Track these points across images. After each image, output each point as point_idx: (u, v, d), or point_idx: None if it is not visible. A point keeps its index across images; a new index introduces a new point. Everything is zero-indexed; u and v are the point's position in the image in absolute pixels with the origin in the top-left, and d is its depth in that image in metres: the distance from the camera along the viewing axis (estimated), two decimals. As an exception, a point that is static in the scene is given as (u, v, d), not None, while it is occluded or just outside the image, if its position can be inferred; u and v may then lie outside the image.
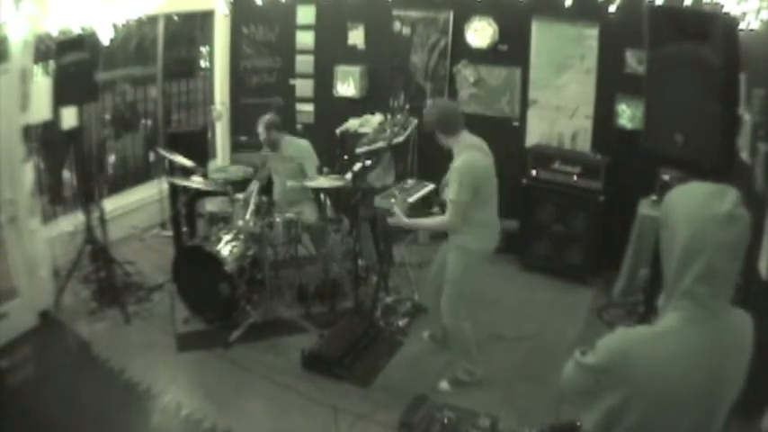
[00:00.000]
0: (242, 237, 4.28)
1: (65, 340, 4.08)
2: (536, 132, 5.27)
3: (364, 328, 4.08)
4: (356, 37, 5.89)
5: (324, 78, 6.04)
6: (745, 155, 3.31)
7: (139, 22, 5.45)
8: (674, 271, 1.37)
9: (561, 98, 5.11)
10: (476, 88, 5.41)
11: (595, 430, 1.46)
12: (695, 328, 1.36)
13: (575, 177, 4.82)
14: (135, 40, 6.14)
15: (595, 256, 4.85)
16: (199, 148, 5.24)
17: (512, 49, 5.22)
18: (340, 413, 3.36)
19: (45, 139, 4.74)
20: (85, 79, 4.23)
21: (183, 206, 4.88)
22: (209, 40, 6.54)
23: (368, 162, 4.49)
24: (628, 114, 4.84)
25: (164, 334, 4.12)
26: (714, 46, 3.38)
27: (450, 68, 5.51)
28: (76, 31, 4.36)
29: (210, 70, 6.56)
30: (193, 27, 6.74)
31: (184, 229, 4.95)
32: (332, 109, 6.00)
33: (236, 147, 6.28)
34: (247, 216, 4.33)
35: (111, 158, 6.15)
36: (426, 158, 5.44)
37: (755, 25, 3.24)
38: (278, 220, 4.34)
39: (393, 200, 4.06)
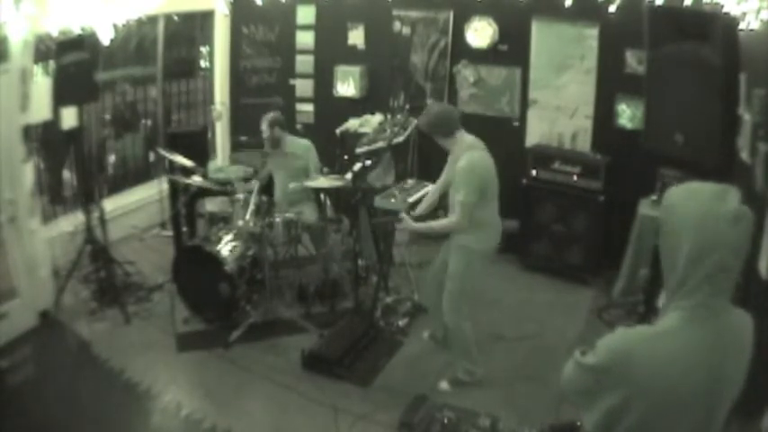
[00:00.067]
0: (242, 237, 4.28)
1: (65, 340, 4.07)
2: (536, 132, 5.27)
3: (364, 328, 4.07)
4: (356, 37, 5.89)
5: (324, 78, 6.04)
6: (745, 155, 3.31)
7: (139, 22, 5.45)
8: (683, 271, 1.37)
9: (561, 98, 5.11)
10: (476, 88, 5.41)
11: (595, 430, 1.46)
12: (696, 328, 1.36)
13: (575, 177, 4.82)
14: (135, 40, 6.14)
15: (595, 256, 4.85)
16: (199, 148, 5.24)
17: (512, 49, 5.22)
18: (340, 413, 3.36)
19: (45, 139, 4.74)
20: (85, 79, 4.23)
21: (183, 206, 4.88)
22: (209, 40, 6.54)
23: (368, 162, 4.49)
24: (628, 114, 4.84)
25: (164, 334, 4.12)
26: (714, 46, 3.38)
27: (450, 68, 5.52)
28: (76, 31, 4.36)
29: (210, 70, 6.57)
30: (193, 27, 6.74)
31: (184, 229, 4.95)
32: (332, 109, 6.00)
33: (236, 147, 6.28)
34: (247, 216, 4.33)
35: (111, 158, 6.16)
36: (426, 158, 5.44)
37: (755, 25, 3.24)
38: (278, 220, 4.35)
39: (393, 200, 4.06)
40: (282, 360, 3.86)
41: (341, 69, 5.89)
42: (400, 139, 5.25)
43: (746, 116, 3.28)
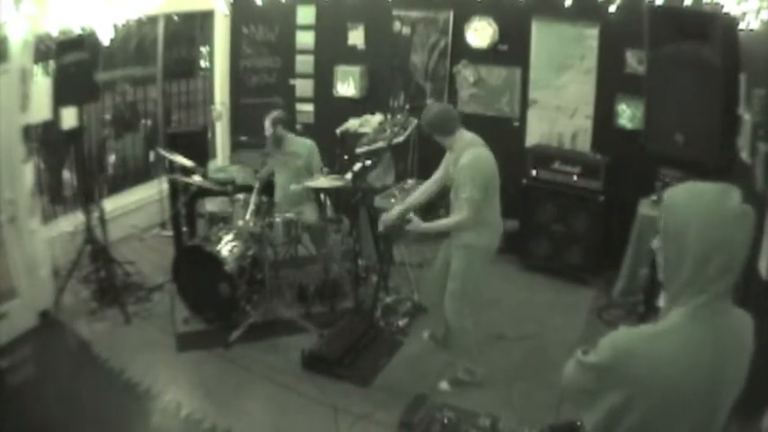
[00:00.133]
0: (242, 237, 4.28)
1: (65, 340, 4.07)
2: (536, 132, 5.27)
3: (364, 328, 4.07)
4: (356, 37, 5.89)
5: (324, 78, 6.04)
6: (745, 155, 3.31)
7: (139, 22, 5.45)
8: (690, 271, 1.36)
9: (561, 98, 5.11)
10: (476, 88, 5.41)
11: (597, 430, 1.46)
12: (698, 327, 1.36)
13: (575, 177, 4.82)
14: (135, 40, 6.14)
15: (595, 256, 4.85)
16: (199, 148, 5.24)
17: (512, 49, 5.22)
18: (340, 413, 3.36)
19: (45, 139, 4.74)
20: (85, 79, 4.23)
21: (183, 206, 4.88)
22: (209, 40, 6.54)
23: (368, 162, 4.49)
24: (628, 114, 4.84)
25: (164, 334, 4.12)
26: (714, 46, 3.38)
27: (450, 68, 5.52)
28: (76, 31, 4.36)
29: (210, 70, 6.57)
30: (193, 27, 6.74)
31: (184, 229, 4.94)
32: (332, 109, 6.00)
33: (236, 147, 6.28)
34: (247, 216, 4.33)
35: (111, 158, 6.16)
36: (426, 158, 5.43)
37: (755, 25, 3.24)
38: (278, 220, 4.35)
39: (393, 200, 4.06)
40: (282, 360, 3.86)
41: (341, 69, 5.89)
42: (400, 139, 5.25)
43: (746, 116, 3.28)
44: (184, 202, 4.83)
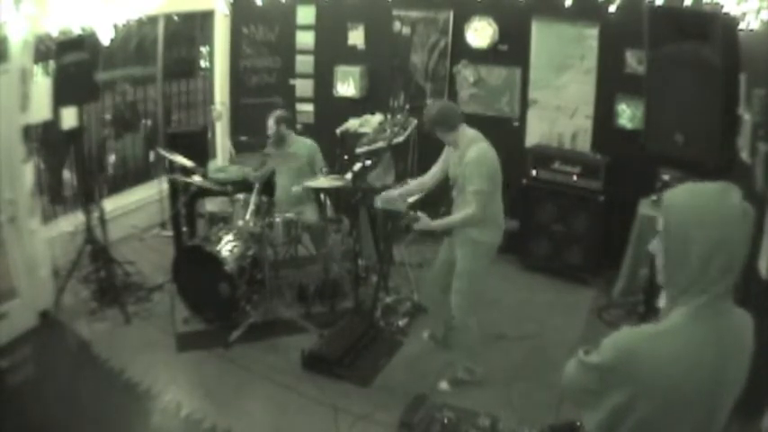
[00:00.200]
0: (242, 237, 4.27)
1: (65, 340, 4.07)
2: (536, 132, 5.27)
3: (364, 328, 4.07)
4: (356, 37, 5.89)
5: (324, 78, 6.04)
6: (745, 155, 3.31)
7: (139, 22, 5.45)
8: (695, 271, 1.36)
9: (561, 98, 5.11)
10: (476, 88, 5.41)
11: (599, 430, 1.46)
12: (700, 327, 1.36)
13: (575, 177, 4.82)
14: (135, 40, 6.14)
15: (595, 256, 4.85)
16: (199, 148, 5.23)
17: (512, 49, 5.22)
18: (340, 413, 3.36)
19: (45, 139, 4.74)
20: (85, 79, 4.23)
21: (183, 206, 4.88)
22: (209, 40, 6.54)
23: (368, 162, 4.49)
24: (628, 114, 4.84)
25: (164, 334, 4.12)
26: (714, 46, 3.38)
27: (450, 68, 5.52)
28: (76, 31, 4.36)
29: (210, 70, 6.56)
30: (193, 27, 6.74)
31: (184, 229, 4.95)
32: (332, 109, 6.00)
33: (236, 147, 6.28)
34: (247, 216, 4.33)
35: (111, 158, 6.16)
36: (426, 158, 5.43)
37: (755, 25, 3.24)
38: (278, 220, 4.35)
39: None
40: (282, 360, 3.86)
41: (341, 69, 5.89)
42: (400, 139, 5.25)
43: (746, 116, 3.28)
44: (184, 202, 4.83)
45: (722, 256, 1.34)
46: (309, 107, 6.23)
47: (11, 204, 3.92)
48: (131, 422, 3.39)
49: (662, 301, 1.49)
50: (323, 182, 4.44)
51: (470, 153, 3.35)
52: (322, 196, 4.80)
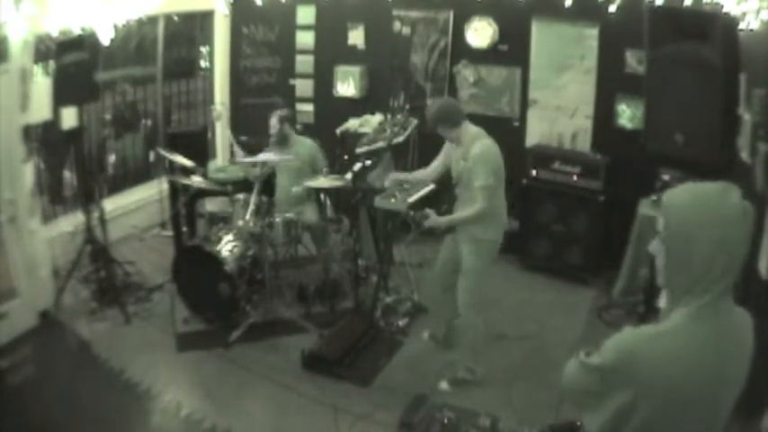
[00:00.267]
0: (242, 237, 4.27)
1: (65, 340, 4.07)
2: (536, 132, 5.27)
3: (364, 328, 4.07)
4: (356, 37, 5.89)
5: (324, 78, 6.04)
6: (745, 155, 3.31)
7: (139, 22, 5.45)
8: (698, 271, 1.36)
9: (561, 98, 5.11)
10: (476, 88, 5.41)
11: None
12: (702, 327, 1.36)
13: (575, 177, 4.82)
14: (135, 40, 6.15)
15: (595, 256, 4.85)
16: (199, 148, 5.24)
17: (512, 49, 5.22)
18: (340, 413, 3.36)
19: (45, 139, 4.74)
20: (85, 79, 4.23)
21: (183, 206, 4.88)
22: (209, 40, 6.55)
23: (368, 162, 4.49)
24: (628, 114, 4.84)
25: (164, 334, 4.12)
26: (714, 46, 3.38)
27: (450, 68, 5.52)
28: (76, 31, 4.36)
29: (210, 70, 6.57)
30: (193, 27, 6.74)
31: (184, 229, 4.94)
32: (332, 109, 6.00)
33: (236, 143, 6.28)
34: (247, 216, 4.33)
35: (111, 158, 6.16)
36: (426, 158, 5.42)
37: (755, 25, 3.24)
38: (278, 220, 4.35)
39: (393, 200, 4.06)
40: (282, 360, 3.86)
41: (341, 69, 5.89)
42: (400, 139, 5.25)
43: (746, 116, 3.28)
44: (184, 202, 4.83)
45: (723, 255, 1.34)
46: (309, 107, 6.23)
47: (11, 204, 3.92)
48: (131, 422, 3.39)
49: (662, 302, 1.49)
50: (323, 182, 4.44)
51: (475, 149, 3.37)
52: (322, 196, 4.80)
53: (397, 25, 5.68)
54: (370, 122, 5.61)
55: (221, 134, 6.50)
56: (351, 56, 5.91)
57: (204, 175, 4.60)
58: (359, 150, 5.08)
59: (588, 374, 1.47)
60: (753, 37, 3.33)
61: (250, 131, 5.55)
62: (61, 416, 3.31)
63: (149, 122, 6.23)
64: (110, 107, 6.02)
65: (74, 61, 4.09)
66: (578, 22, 4.88)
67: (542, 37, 5.08)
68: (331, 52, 5.97)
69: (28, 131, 4.09)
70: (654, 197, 4.40)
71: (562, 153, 5.00)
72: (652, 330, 1.41)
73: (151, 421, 3.38)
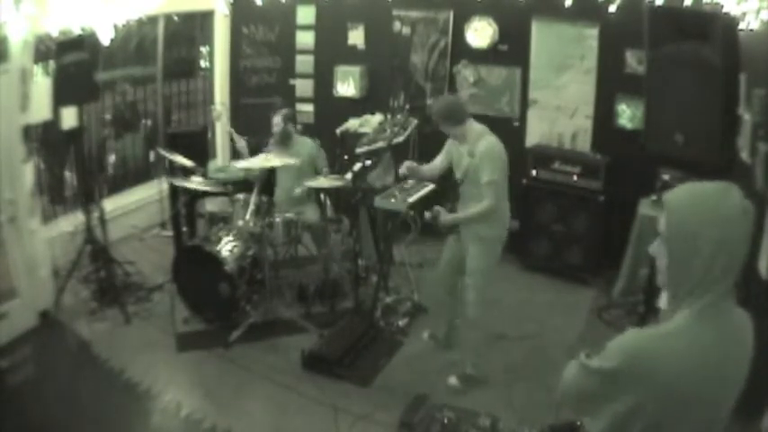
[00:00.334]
0: (242, 237, 4.27)
1: (65, 340, 4.07)
2: (536, 132, 5.27)
3: (364, 328, 4.07)
4: (356, 37, 5.89)
5: (324, 78, 6.04)
6: (745, 155, 3.31)
7: (139, 22, 5.45)
8: (701, 271, 1.36)
9: (561, 98, 5.11)
10: (476, 88, 5.41)
11: None
12: (704, 327, 1.36)
13: (575, 177, 4.82)
14: (135, 40, 6.15)
15: (595, 256, 4.85)
16: (199, 148, 5.24)
17: (512, 49, 5.22)
18: (340, 413, 3.36)
19: (45, 139, 4.74)
20: (85, 79, 4.23)
21: (183, 206, 4.88)
22: (209, 40, 6.54)
23: (368, 162, 4.49)
24: (628, 114, 4.84)
25: (164, 334, 4.12)
26: (714, 46, 3.38)
27: (450, 68, 5.52)
28: (76, 31, 4.36)
29: (210, 70, 6.57)
30: (193, 27, 6.74)
31: (184, 229, 4.95)
32: (332, 109, 6.00)
33: (235, 155, 6.27)
34: (247, 216, 4.33)
35: (111, 158, 6.16)
36: (426, 158, 5.41)
37: (755, 25, 3.24)
38: (278, 220, 4.35)
39: (393, 200, 4.06)
40: (282, 360, 3.86)
41: (341, 69, 5.89)
42: (400, 139, 5.24)
43: (746, 116, 3.28)
44: (184, 202, 4.83)
45: (724, 255, 1.34)
46: (309, 107, 6.23)
47: (11, 204, 3.92)
48: (131, 422, 3.39)
49: (662, 302, 1.49)
50: (323, 182, 4.44)
51: (480, 146, 3.38)
52: (322, 196, 4.80)
53: (397, 25, 5.68)
54: (370, 122, 5.60)
55: (221, 134, 6.50)
56: (351, 56, 5.91)
57: (204, 175, 4.60)
58: (359, 150, 5.07)
59: (589, 377, 1.45)
60: (753, 37, 3.33)
61: (250, 131, 5.54)
62: (61, 416, 3.31)
63: (149, 122, 6.23)
64: (110, 107, 6.02)
65: (74, 61, 4.09)
66: (578, 22, 4.88)
67: (542, 37, 5.08)
68: (331, 52, 5.97)
69: (28, 131, 4.09)
70: (654, 197, 4.40)
71: (562, 153, 5.00)
72: (656, 332, 1.40)
73: (151, 421, 3.38)
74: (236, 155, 5.61)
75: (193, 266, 4.18)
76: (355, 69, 5.82)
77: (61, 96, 4.15)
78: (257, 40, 6.29)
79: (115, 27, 4.75)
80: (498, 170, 3.36)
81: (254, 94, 6.35)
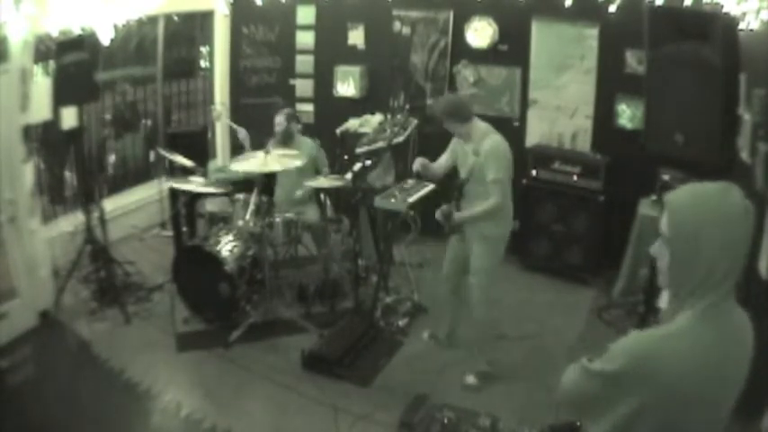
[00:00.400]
0: (242, 237, 4.27)
1: (65, 340, 4.07)
2: (536, 132, 5.27)
3: (364, 328, 4.07)
4: (356, 37, 5.89)
5: (324, 78, 6.03)
6: (745, 155, 3.31)
7: (139, 22, 5.45)
8: (704, 272, 1.36)
9: (561, 98, 5.11)
10: (476, 88, 5.41)
11: None
12: (706, 328, 1.36)
13: (575, 177, 4.82)
14: (135, 40, 6.15)
15: (595, 256, 4.85)
16: (199, 148, 5.24)
17: (512, 49, 5.22)
18: (340, 413, 3.36)
19: (45, 139, 4.74)
20: (85, 79, 4.23)
21: (183, 206, 4.88)
22: (209, 40, 6.54)
23: (368, 162, 4.49)
24: (628, 114, 4.84)
25: (164, 334, 4.12)
26: (714, 46, 3.38)
27: (450, 68, 5.51)
28: (76, 31, 4.36)
29: (210, 70, 6.57)
30: (193, 27, 6.74)
31: (184, 229, 4.94)
32: (332, 109, 6.00)
33: (236, 150, 6.27)
34: (247, 216, 4.33)
35: (111, 158, 6.16)
36: (427, 158, 5.43)
37: (755, 25, 3.24)
38: (278, 220, 4.34)
39: (393, 200, 4.06)
40: (282, 360, 3.86)
41: (341, 69, 5.89)
42: (400, 139, 5.24)
43: (746, 116, 3.28)
44: (184, 202, 4.83)
45: (727, 255, 1.35)
46: (309, 107, 6.23)
47: (11, 204, 3.92)
48: (131, 422, 3.39)
49: (662, 302, 1.49)
50: (323, 182, 4.44)
51: (486, 144, 3.40)
52: (322, 196, 4.80)
53: (397, 25, 5.68)
54: (370, 122, 5.61)
55: (221, 134, 6.50)
56: (351, 56, 5.90)
57: (204, 175, 4.60)
58: (359, 150, 5.07)
59: (591, 380, 1.45)
60: (753, 37, 3.33)
61: (250, 131, 5.54)
62: (61, 416, 3.31)
63: (149, 122, 6.23)
64: (110, 107, 6.02)
65: (74, 61, 4.09)
66: (578, 22, 4.88)
67: (542, 37, 5.08)
68: (331, 52, 5.97)
69: (28, 131, 4.09)
70: (654, 197, 4.40)
71: (562, 153, 5.00)
72: (658, 333, 1.40)
73: (151, 421, 3.38)
74: (237, 150, 5.60)
75: (193, 266, 4.18)
76: (355, 69, 5.82)
77: (61, 96, 4.15)
78: (257, 40, 6.29)
79: (115, 27, 4.75)
80: (504, 168, 3.39)
81: (254, 94, 6.35)
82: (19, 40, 3.83)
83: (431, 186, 4.25)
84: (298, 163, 4.11)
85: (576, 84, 5.02)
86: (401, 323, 4.24)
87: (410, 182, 4.49)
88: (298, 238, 4.58)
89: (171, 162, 4.68)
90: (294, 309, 4.37)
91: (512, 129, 5.30)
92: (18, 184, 3.99)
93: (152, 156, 5.75)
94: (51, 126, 4.46)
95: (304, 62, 6.16)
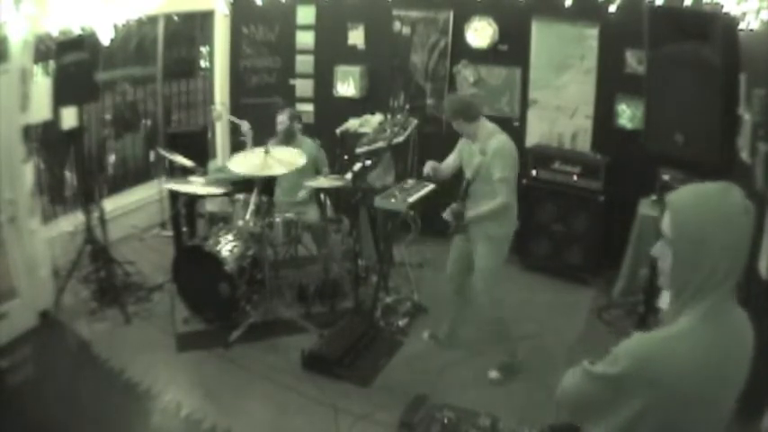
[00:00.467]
0: (242, 237, 4.27)
1: (65, 340, 4.07)
2: (536, 132, 5.27)
3: (364, 328, 4.07)
4: (356, 37, 5.89)
5: (324, 78, 6.04)
6: (745, 155, 3.31)
7: (139, 22, 5.45)
8: (707, 272, 1.36)
9: (561, 98, 5.11)
10: (476, 88, 5.41)
11: None
12: (707, 328, 1.36)
13: (575, 177, 4.82)
14: (135, 40, 6.14)
15: (595, 256, 4.85)
16: (199, 148, 5.23)
17: (512, 49, 5.22)
18: (340, 413, 3.36)
19: (45, 139, 4.74)
20: (85, 79, 4.23)
21: (183, 206, 4.88)
22: (209, 40, 6.54)
23: (368, 162, 4.49)
24: (628, 114, 4.84)
25: (164, 334, 4.11)
26: (714, 46, 3.38)
27: (450, 68, 5.51)
28: (76, 31, 4.36)
29: (210, 70, 6.57)
30: (193, 27, 6.74)
31: (184, 229, 4.95)
32: (332, 109, 6.00)
33: (236, 148, 6.28)
34: (247, 216, 4.33)
35: (111, 158, 6.15)
36: (426, 158, 5.42)
37: (755, 25, 3.24)
38: (278, 220, 4.34)
39: (393, 200, 4.06)
40: (282, 360, 3.86)
41: (341, 69, 5.89)
42: (400, 139, 5.25)
43: (746, 116, 3.28)
44: (184, 202, 4.83)
45: (728, 255, 1.35)
46: (309, 107, 6.23)
47: (11, 204, 3.92)
48: (131, 422, 3.39)
49: (662, 302, 1.49)
50: (323, 182, 4.44)
51: (492, 144, 3.42)
52: (322, 196, 4.80)
53: (397, 25, 5.68)
54: (370, 122, 5.61)
55: (221, 134, 6.50)
56: (351, 56, 5.91)
57: (204, 175, 4.60)
58: (359, 150, 5.07)
59: (593, 383, 1.45)
60: (753, 37, 3.32)
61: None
62: (61, 416, 3.31)
63: (149, 122, 6.23)
64: (110, 107, 6.01)
65: (74, 61, 4.09)
66: (578, 22, 4.88)
67: (542, 37, 5.08)
68: (331, 52, 5.97)
69: (28, 131, 4.09)
70: (654, 197, 4.40)
71: (562, 153, 5.01)
72: (661, 335, 1.40)
73: (151, 421, 3.38)
74: (237, 149, 5.59)
75: (193, 266, 4.18)
76: (355, 69, 5.82)
77: (61, 96, 4.15)
78: (257, 40, 6.29)
79: (115, 27, 4.75)
80: (510, 167, 3.41)
81: (255, 94, 6.35)
82: (19, 40, 3.83)
83: (431, 186, 4.26)
84: (298, 163, 4.08)
85: (576, 84, 5.03)
86: (401, 323, 4.24)
87: (410, 182, 4.50)
88: (298, 238, 4.58)
89: (171, 162, 4.67)
90: (294, 309, 4.37)
91: (512, 129, 5.26)
92: (18, 184, 3.99)
93: (152, 156, 5.75)
94: (51, 126, 4.45)
95: (304, 62, 6.16)
